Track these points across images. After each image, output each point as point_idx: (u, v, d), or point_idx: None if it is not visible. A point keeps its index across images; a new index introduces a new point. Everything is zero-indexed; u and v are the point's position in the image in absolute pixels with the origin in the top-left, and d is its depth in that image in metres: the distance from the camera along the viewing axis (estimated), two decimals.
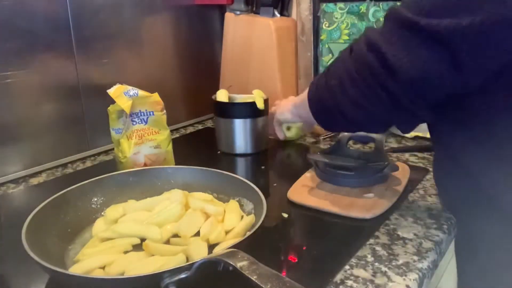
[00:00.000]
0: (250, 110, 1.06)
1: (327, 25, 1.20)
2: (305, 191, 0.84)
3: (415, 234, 0.71)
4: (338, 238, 0.72)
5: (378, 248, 0.67)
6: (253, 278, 0.44)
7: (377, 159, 0.88)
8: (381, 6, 1.13)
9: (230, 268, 0.47)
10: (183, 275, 0.50)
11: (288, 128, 1.13)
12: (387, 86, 0.54)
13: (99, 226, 0.69)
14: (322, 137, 1.20)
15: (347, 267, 0.62)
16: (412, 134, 1.15)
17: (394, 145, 1.13)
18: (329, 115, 0.66)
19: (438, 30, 0.48)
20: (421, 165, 0.99)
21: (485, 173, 0.60)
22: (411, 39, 0.51)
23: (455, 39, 0.48)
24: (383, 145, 0.92)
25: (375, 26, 1.13)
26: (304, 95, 0.73)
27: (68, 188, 0.71)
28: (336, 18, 1.18)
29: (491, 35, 0.48)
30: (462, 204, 0.69)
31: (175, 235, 0.66)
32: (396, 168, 0.86)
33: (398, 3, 0.56)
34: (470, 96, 0.56)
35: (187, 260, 0.59)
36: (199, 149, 0.99)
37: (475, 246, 0.68)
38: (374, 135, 0.92)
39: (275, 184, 0.94)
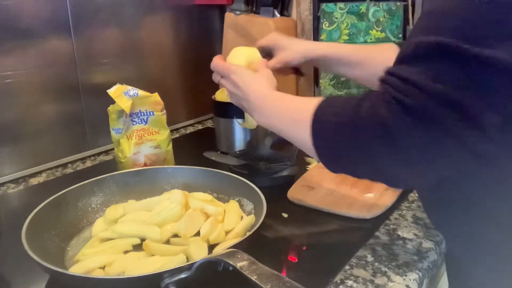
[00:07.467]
0: None
1: (327, 25, 1.20)
2: (305, 191, 0.84)
3: (415, 234, 0.71)
4: (338, 238, 0.72)
5: (378, 248, 0.67)
6: (253, 278, 0.45)
7: (284, 161, 0.94)
8: (381, 6, 1.13)
9: (230, 268, 0.47)
10: (183, 275, 0.50)
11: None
12: (471, 143, 0.45)
13: (99, 226, 0.69)
14: None
15: (347, 267, 0.62)
16: None
17: None
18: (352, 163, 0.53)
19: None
20: None
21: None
22: (487, 80, 0.43)
23: None
24: (297, 149, 0.94)
25: (374, 27, 1.13)
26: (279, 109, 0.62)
27: (68, 188, 0.71)
28: (336, 18, 1.18)
29: None
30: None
31: (175, 235, 0.66)
32: (293, 172, 0.90)
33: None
34: None
35: (187, 260, 0.59)
36: (199, 149, 0.99)
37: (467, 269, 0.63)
38: None
39: (275, 184, 0.94)
